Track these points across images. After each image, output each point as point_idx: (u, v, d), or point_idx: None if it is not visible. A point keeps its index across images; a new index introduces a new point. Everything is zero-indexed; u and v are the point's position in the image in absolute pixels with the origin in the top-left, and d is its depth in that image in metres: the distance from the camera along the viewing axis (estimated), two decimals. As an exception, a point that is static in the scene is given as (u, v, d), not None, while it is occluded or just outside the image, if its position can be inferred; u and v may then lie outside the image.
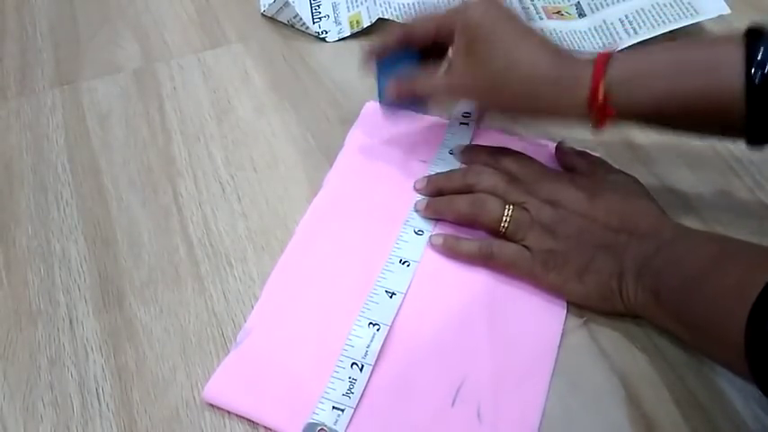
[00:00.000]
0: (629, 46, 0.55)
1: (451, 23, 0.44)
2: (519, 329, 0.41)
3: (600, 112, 0.40)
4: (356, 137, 0.52)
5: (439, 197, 0.46)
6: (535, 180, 0.45)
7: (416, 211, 0.46)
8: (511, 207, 0.43)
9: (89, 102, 0.56)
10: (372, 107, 0.53)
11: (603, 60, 0.39)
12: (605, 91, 0.39)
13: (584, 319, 0.41)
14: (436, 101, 0.49)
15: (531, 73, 0.41)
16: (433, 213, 0.46)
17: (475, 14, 0.43)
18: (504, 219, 0.43)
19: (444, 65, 0.47)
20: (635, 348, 0.40)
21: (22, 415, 0.39)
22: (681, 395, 0.38)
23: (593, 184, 0.44)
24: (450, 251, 0.44)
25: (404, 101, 0.48)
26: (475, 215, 0.44)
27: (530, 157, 0.47)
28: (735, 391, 0.38)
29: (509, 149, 0.48)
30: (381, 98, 0.49)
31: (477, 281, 0.43)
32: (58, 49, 0.61)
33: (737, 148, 0.49)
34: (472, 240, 0.44)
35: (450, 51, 0.45)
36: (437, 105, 0.51)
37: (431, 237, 0.45)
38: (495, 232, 0.44)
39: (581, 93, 0.40)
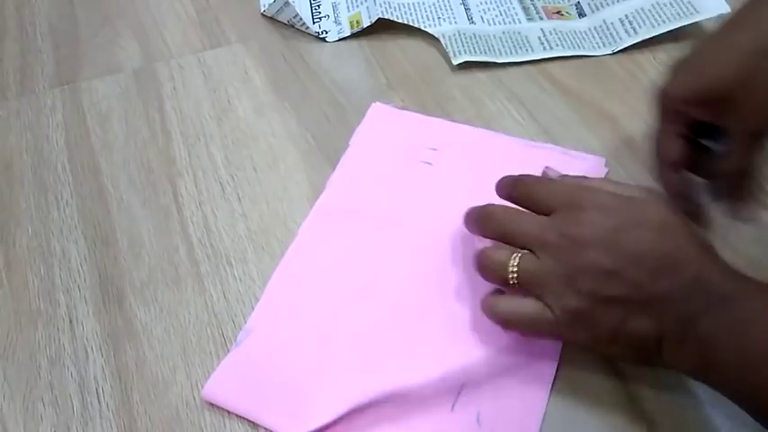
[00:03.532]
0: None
1: (690, 117, 0.39)
2: (520, 334, 0.40)
3: None
4: (361, 138, 0.51)
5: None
6: (558, 207, 0.36)
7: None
8: (518, 255, 0.36)
9: (89, 102, 0.56)
10: (378, 108, 0.53)
11: None
12: None
13: None
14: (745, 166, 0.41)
15: None
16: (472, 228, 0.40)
17: (706, 79, 0.38)
18: (510, 271, 0.36)
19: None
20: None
21: (22, 415, 0.39)
22: (681, 395, 0.38)
23: (621, 207, 0.35)
24: (489, 314, 0.38)
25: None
26: (481, 267, 0.38)
27: (551, 178, 0.40)
28: (735, 391, 0.38)
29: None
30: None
31: (479, 286, 0.43)
32: (58, 49, 0.61)
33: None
34: (499, 298, 0.38)
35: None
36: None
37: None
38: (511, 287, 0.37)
39: None
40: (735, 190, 0.42)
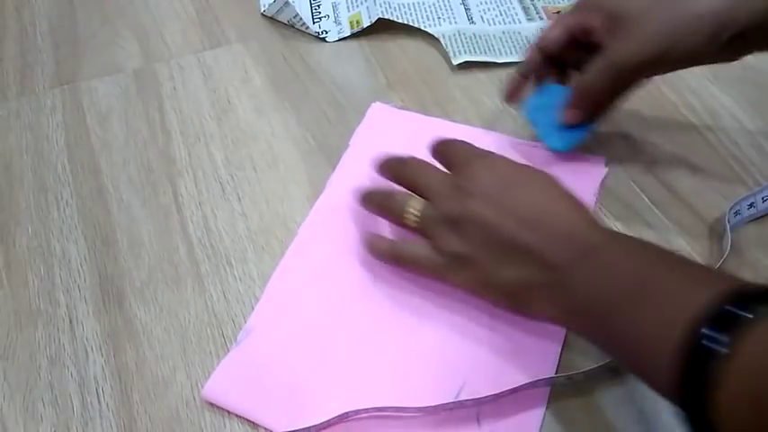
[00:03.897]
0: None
1: (587, 20, 0.43)
2: (520, 334, 0.40)
3: None
4: (362, 138, 0.52)
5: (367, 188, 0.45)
6: (458, 165, 0.42)
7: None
8: (419, 201, 0.41)
9: (89, 102, 0.56)
10: (378, 108, 0.53)
11: None
12: None
13: None
14: (608, 88, 0.44)
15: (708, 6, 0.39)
16: (359, 201, 0.45)
17: None
18: (409, 213, 0.41)
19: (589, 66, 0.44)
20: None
21: (22, 415, 0.39)
22: (681, 395, 0.38)
23: (510, 170, 0.40)
24: (368, 248, 0.43)
25: (569, 127, 0.46)
26: (383, 208, 0.43)
27: (464, 142, 0.44)
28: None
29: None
30: (548, 140, 0.48)
31: None
32: (58, 49, 0.61)
33: (738, 148, 0.50)
34: (385, 239, 0.43)
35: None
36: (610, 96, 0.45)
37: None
38: (409, 228, 0.42)
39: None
40: (575, 101, 0.45)
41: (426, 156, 0.44)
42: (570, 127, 0.46)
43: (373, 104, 0.54)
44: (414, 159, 0.43)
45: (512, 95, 0.48)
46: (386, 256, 0.43)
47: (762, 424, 0.25)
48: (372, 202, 0.44)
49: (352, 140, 0.51)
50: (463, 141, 0.44)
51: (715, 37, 0.39)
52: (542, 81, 0.48)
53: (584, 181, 0.48)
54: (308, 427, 0.36)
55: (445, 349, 0.40)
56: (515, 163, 0.41)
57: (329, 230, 0.46)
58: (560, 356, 0.39)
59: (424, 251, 0.40)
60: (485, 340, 0.40)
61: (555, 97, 0.46)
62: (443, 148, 0.44)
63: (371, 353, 0.40)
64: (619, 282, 0.33)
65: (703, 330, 0.27)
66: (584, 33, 0.44)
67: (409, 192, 0.42)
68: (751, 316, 0.26)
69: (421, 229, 0.41)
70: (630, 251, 0.34)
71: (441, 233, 0.39)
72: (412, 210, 0.41)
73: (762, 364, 0.26)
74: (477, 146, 0.43)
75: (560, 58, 0.46)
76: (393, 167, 0.44)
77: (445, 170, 0.42)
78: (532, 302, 0.37)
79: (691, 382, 0.27)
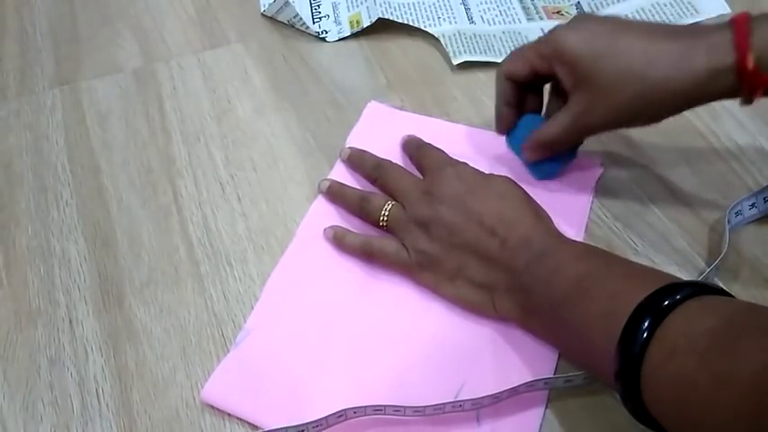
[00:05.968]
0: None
1: (545, 60, 0.42)
2: (520, 333, 0.40)
3: (751, 80, 0.36)
4: (357, 137, 0.52)
5: (340, 184, 0.47)
6: (430, 170, 0.45)
7: (319, 189, 0.48)
8: (391, 203, 0.44)
9: (89, 102, 0.56)
10: (374, 107, 0.53)
11: (743, 21, 0.36)
12: (757, 57, 0.35)
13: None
14: (566, 141, 0.44)
15: (661, 74, 0.38)
16: (329, 197, 0.47)
17: (567, 45, 0.40)
18: (382, 215, 0.44)
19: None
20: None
21: (22, 415, 0.39)
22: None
23: (475, 179, 0.43)
24: (337, 243, 0.45)
25: (548, 159, 0.46)
26: (360, 210, 0.45)
27: (437, 149, 0.47)
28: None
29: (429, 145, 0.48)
30: (528, 168, 0.48)
31: None
32: (58, 49, 0.61)
33: (738, 148, 0.49)
34: (358, 234, 0.45)
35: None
36: (569, 145, 0.46)
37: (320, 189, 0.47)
38: (379, 228, 0.45)
39: (725, 60, 0.37)
40: (534, 146, 0.45)
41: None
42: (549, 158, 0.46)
43: (369, 103, 0.54)
44: (388, 163, 0.47)
45: (502, 128, 0.47)
46: (356, 251, 0.44)
47: (680, 401, 0.29)
48: (346, 199, 0.47)
49: (349, 140, 0.51)
50: (435, 147, 0.47)
51: (680, 108, 0.40)
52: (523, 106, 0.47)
53: (579, 181, 0.48)
54: (305, 423, 0.36)
55: (445, 349, 0.40)
56: (482, 172, 0.44)
57: None
58: (559, 356, 0.39)
59: (393, 248, 0.43)
60: (485, 340, 0.40)
61: (529, 128, 0.45)
62: (417, 153, 0.48)
63: (371, 354, 0.40)
64: (566, 282, 0.36)
65: (636, 321, 0.31)
66: (547, 74, 0.43)
67: (381, 193, 0.46)
68: (675, 303, 0.30)
69: (391, 229, 0.44)
70: (579, 254, 0.38)
71: (410, 233, 0.42)
72: (383, 211, 0.44)
73: (675, 345, 0.30)
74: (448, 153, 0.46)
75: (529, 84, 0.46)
76: (369, 167, 0.48)
77: (416, 174, 0.47)
78: (495, 302, 0.40)
79: (626, 368, 0.31)
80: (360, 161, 0.49)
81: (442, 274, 0.41)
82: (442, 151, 0.47)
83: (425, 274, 0.42)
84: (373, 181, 0.47)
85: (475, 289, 0.40)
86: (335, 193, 0.47)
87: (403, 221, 0.43)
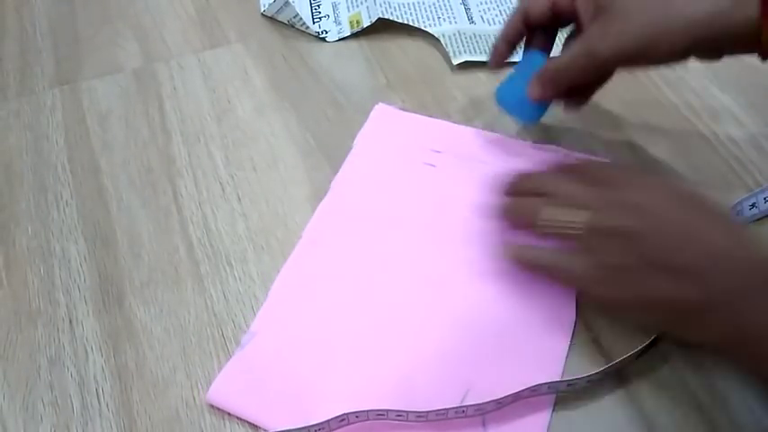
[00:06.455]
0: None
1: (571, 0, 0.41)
2: (526, 339, 0.40)
3: None
4: (365, 139, 0.51)
5: (514, 199, 0.42)
6: (608, 181, 0.39)
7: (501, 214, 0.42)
8: (580, 211, 0.38)
9: (89, 102, 0.56)
10: (381, 109, 0.53)
11: None
12: None
13: None
14: (577, 74, 0.43)
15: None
16: (508, 215, 0.42)
17: None
18: (571, 225, 0.38)
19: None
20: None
21: (22, 415, 0.39)
22: (681, 395, 0.38)
23: (668, 190, 0.38)
24: (514, 257, 0.41)
25: (536, 102, 0.45)
26: (514, 212, 0.42)
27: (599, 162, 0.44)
28: (734, 391, 0.38)
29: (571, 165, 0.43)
30: (516, 113, 0.47)
31: (486, 289, 0.42)
32: (58, 49, 0.61)
33: (738, 148, 0.49)
34: (530, 247, 0.41)
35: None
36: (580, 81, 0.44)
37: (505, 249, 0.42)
38: (564, 239, 0.39)
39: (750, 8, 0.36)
40: (544, 79, 0.44)
41: (429, 157, 0.43)
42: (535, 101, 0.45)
43: (377, 106, 0.54)
44: (547, 173, 0.42)
45: (496, 61, 0.47)
46: (534, 268, 0.40)
47: None
48: (514, 212, 0.42)
49: (356, 142, 0.51)
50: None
51: (699, 41, 0.39)
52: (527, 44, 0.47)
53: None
54: (307, 426, 0.36)
55: (450, 354, 0.40)
56: (669, 182, 0.40)
57: (334, 234, 0.46)
58: (566, 356, 0.39)
59: (580, 264, 0.38)
60: (491, 344, 0.40)
61: (531, 67, 0.45)
62: (578, 168, 0.42)
63: (376, 357, 0.40)
64: None
65: None
66: (567, 12, 0.43)
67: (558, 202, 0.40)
68: None
69: (580, 241, 0.38)
70: None
71: (602, 246, 0.37)
72: (574, 219, 0.38)
73: None
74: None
75: (543, 26, 0.45)
76: (530, 182, 0.42)
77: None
78: (690, 324, 0.35)
79: None
80: (520, 183, 0.42)
81: (633, 291, 0.36)
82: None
83: (613, 291, 0.37)
84: (537, 192, 0.41)
85: (667, 309, 0.36)
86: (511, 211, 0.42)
87: (595, 232, 0.37)
